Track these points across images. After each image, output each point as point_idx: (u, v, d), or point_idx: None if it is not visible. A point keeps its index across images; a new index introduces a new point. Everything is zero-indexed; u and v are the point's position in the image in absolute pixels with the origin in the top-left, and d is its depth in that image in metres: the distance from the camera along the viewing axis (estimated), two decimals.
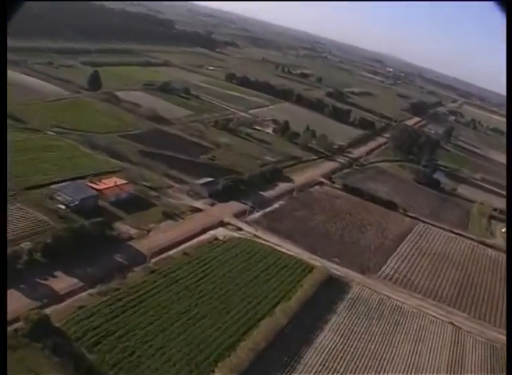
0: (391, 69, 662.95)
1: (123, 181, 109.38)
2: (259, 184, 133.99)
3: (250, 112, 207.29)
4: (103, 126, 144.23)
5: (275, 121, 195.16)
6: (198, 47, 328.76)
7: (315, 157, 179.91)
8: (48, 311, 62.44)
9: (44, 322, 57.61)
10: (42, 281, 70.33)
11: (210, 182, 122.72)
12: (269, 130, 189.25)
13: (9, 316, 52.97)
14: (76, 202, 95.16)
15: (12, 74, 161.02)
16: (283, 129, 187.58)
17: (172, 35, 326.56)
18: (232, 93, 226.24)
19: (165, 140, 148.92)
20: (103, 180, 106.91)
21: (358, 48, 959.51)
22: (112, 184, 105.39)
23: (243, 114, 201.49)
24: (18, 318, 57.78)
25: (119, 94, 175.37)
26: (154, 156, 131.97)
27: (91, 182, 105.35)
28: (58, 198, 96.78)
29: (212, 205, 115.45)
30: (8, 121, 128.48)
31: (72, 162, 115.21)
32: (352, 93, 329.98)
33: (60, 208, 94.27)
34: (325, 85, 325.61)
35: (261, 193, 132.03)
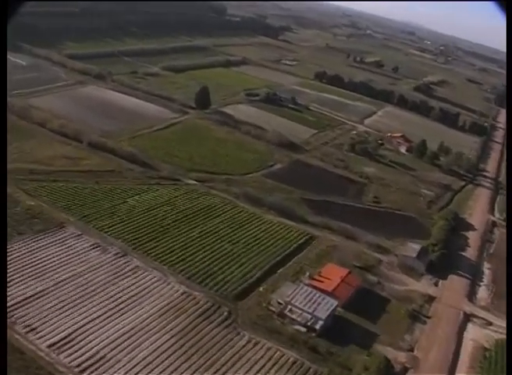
0: (429, 42, 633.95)
1: (342, 269, 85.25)
2: (450, 239, 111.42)
3: (366, 122, 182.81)
4: (239, 163, 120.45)
5: (404, 138, 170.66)
6: (260, 35, 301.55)
7: (462, 183, 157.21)
8: None
9: None
10: None
11: (420, 251, 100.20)
12: (403, 150, 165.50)
13: None
14: (321, 322, 70.21)
15: (106, 94, 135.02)
16: (419, 148, 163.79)
17: (228, 23, 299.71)
18: (332, 97, 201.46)
19: (312, 177, 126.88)
20: (323, 272, 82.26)
21: (380, 17, 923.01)
22: (338, 279, 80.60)
23: (360, 126, 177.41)
24: None
25: (229, 110, 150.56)
26: (319, 206, 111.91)
27: (313, 279, 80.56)
28: (290, 314, 71.61)
29: (436, 284, 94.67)
30: (136, 168, 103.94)
31: (253, 236, 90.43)
32: (432, 83, 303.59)
33: (299, 330, 69.56)
34: (403, 75, 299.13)
35: (459, 253, 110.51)
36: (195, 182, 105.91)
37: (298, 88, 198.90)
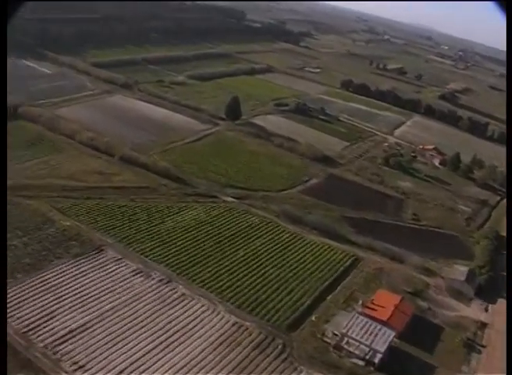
0: (446, 47, 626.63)
1: (394, 295, 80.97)
2: (494, 260, 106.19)
3: (396, 133, 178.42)
4: (274, 178, 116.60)
5: (437, 150, 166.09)
6: (281, 41, 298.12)
7: (498, 197, 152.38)
8: None
9: None
10: None
11: (468, 274, 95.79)
12: (436, 163, 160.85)
13: None
14: (380, 355, 65.89)
15: (134, 104, 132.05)
16: (453, 161, 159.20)
17: (248, 29, 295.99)
18: (360, 106, 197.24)
19: (349, 192, 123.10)
20: (376, 299, 77.95)
21: (391, 21, 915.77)
22: (392, 307, 76.24)
23: (390, 138, 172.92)
24: None
25: (259, 121, 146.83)
26: (359, 224, 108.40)
27: (366, 307, 76.29)
28: (347, 346, 67.31)
29: (486, 309, 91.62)
30: (171, 184, 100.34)
31: (297, 259, 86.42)
32: (456, 91, 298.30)
33: (357, 364, 65.33)
34: (426, 83, 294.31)
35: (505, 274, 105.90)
36: (232, 199, 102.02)
37: (325, 97, 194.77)
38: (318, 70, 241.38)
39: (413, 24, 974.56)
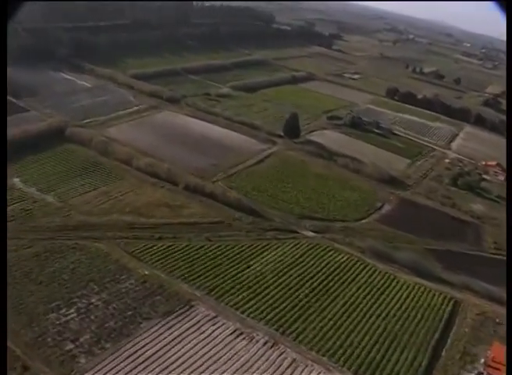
0: (468, 44, 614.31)
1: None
2: None
3: (453, 147, 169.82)
4: (347, 205, 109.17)
5: (500, 166, 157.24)
6: (313, 45, 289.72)
7: None
8: None
9: None
10: None
11: None
12: (501, 178, 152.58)
13: None
14: None
15: (185, 122, 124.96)
16: None
17: (278, 32, 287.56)
18: (410, 117, 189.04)
19: (425, 219, 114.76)
20: (495, 355, 69.57)
21: (410, 17, 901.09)
22: None
23: (449, 152, 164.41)
24: None
25: (316, 138, 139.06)
26: (445, 258, 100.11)
27: (488, 366, 68.12)
28: None
29: None
30: (244, 217, 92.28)
31: (398, 306, 78.51)
32: (496, 96, 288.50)
33: None
34: (465, 87, 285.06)
35: None
36: (313, 233, 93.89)
37: (374, 107, 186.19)
38: (357, 76, 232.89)
39: (429, 20, 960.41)
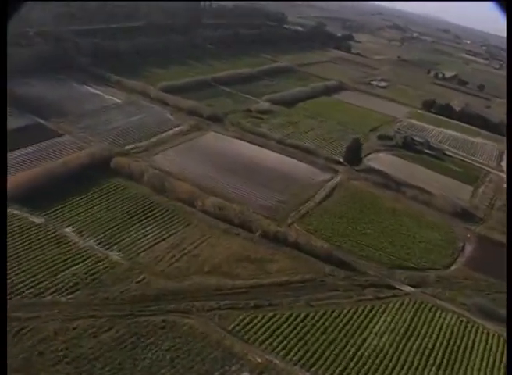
0: (468, 42, 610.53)
1: None
2: None
3: (503, 167, 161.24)
4: (431, 247, 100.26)
5: None
6: (332, 48, 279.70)
7: None
8: None
9: None
10: None
11: None
12: None
13: None
14: None
15: (234, 145, 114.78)
16: None
17: (294, 34, 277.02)
18: (452, 132, 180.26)
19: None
20: None
21: (404, 12, 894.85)
22: None
23: (501, 175, 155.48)
24: None
25: (373, 163, 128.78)
26: None
27: None
28: None
29: None
30: (335, 271, 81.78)
31: None
32: None
33: None
34: (488, 93, 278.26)
35: None
36: (410, 288, 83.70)
37: (415, 122, 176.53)
38: (384, 84, 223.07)
39: (421, 14, 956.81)
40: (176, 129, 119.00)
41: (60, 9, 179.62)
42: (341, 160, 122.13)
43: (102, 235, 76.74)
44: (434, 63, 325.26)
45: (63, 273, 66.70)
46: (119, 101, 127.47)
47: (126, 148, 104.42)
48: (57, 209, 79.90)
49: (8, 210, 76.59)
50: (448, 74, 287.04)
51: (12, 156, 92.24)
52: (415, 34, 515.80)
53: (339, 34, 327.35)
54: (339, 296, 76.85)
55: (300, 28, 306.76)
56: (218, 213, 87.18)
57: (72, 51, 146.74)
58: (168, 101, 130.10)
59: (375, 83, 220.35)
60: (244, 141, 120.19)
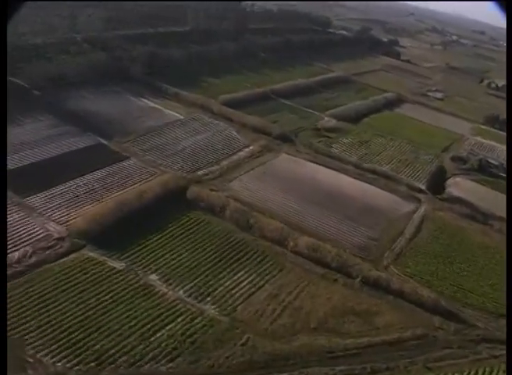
0: (503, 42, 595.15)
1: None
2: None
3: None
4: None
5: None
6: (380, 55, 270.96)
7: None
8: None
9: None
10: None
11: None
12: None
13: None
14: None
15: (310, 170, 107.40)
16: None
17: (343, 40, 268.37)
18: None
19: None
20: None
21: (434, 12, 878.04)
22: None
23: None
24: None
25: (455, 190, 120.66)
26: None
27: None
28: None
29: None
30: (444, 324, 73.81)
31: None
32: None
33: None
34: None
35: None
36: None
37: (483, 141, 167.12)
38: (440, 95, 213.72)
39: (454, 14, 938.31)
40: (247, 150, 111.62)
41: (107, 13, 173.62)
42: (422, 187, 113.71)
43: (192, 284, 69.55)
44: (482, 71, 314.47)
45: (158, 334, 59.45)
46: (181, 116, 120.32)
47: (199, 173, 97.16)
48: (137, 251, 72.85)
49: (84, 252, 70.03)
50: (500, 83, 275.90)
51: (80, 183, 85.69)
52: (454, 37, 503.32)
53: (384, 39, 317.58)
54: (455, 355, 69.29)
55: (345, 32, 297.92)
56: (312, 255, 79.68)
57: (125, 59, 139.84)
58: (232, 117, 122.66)
59: (431, 94, 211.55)
60: (319, 164, 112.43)
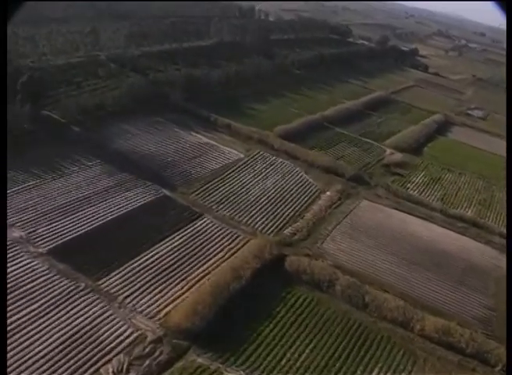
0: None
1: None
2: None
3: None
4: None
5: None
6: (406, 66, 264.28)
7: None
8: None
9: None
10: None
11: None
12: None
13: None
14: None
15: (395, 220, 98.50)
16: None
17: (370, 51, 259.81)
18: None
19: None
20: None
21: (432, 12, 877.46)
22: None
23: None
24: None
25: None
26: None
27: None
28: None
29: None
30: None
31: None
32: None
33: None
34: None
35: None
36: None
37: None
38: (481, 114, 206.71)
39: (446, 14, 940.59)
40: (324, 196, 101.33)
41: (130, 29, 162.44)
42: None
43: None
44: (503, 81, 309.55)
45: None
46: (241, 154, 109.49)
47: (285, 231, 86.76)
48: (252, 351, 61.71)
49: (191, 357, 58.31)
50: None
51: (159, 254, 73.94)
52: (463, 41, 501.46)
53: (403, 47, 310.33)
54: None
55: (366, 42, 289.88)
56: (443, 340, 69.88)
57: (162, 83, 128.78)
58: (297, 154, 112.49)
59: (472, 113, 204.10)
60: (403, 212, 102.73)
